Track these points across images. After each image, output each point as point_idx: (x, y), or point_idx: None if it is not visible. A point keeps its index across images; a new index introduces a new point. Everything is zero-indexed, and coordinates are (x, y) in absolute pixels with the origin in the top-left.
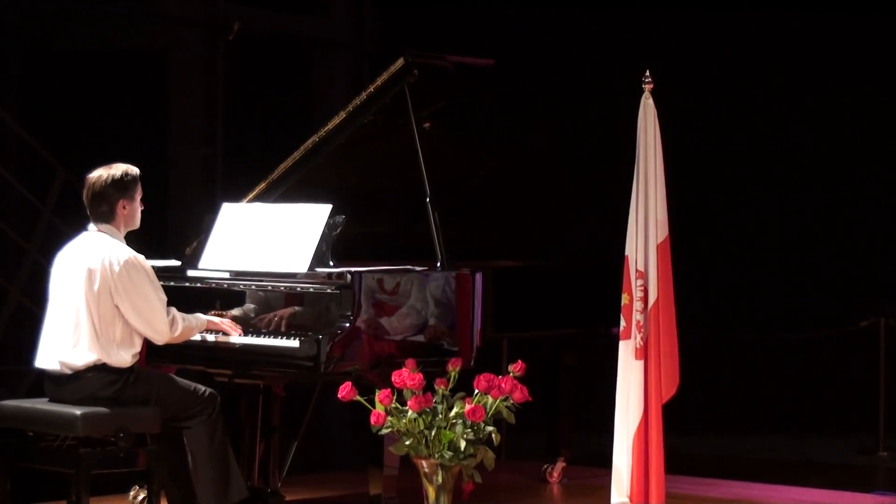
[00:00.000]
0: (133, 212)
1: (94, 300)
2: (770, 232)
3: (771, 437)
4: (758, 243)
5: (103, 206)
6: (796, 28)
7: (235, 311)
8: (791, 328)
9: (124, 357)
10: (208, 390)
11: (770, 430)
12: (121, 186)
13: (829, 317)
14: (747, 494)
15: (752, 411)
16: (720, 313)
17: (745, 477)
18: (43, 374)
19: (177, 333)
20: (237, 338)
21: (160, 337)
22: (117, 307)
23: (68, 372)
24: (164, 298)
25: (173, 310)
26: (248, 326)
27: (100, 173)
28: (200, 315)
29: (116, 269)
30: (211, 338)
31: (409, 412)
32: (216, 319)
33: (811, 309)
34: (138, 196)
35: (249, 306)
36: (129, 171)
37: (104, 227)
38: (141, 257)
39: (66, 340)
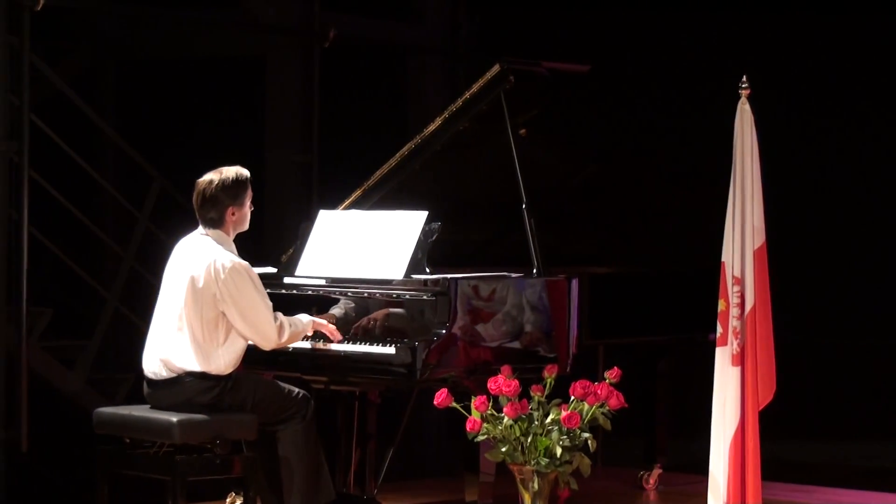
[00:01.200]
0: (242, 217)
1: (196, 305)
2: (869, 238)
3: (868, 444)
4: (856, 249)
5: (212, 213)
6: None
7: (336, 310)
8: (891, 333)
9: (225, 364)
10: (302, 392)
11: (867, 437)
12: (231, 193)
13: None
14: (844, 501)
15: (849, 417)
16: (817, 319)
17: (842, 484)
18: (142, 377)
19: (284, 339)
20: (333, 344)
21: (268, 343)
22: (223, 313)
23: (167, 374)
24: (270, 304)
25: (280, 315)
26: (344, 333)
27: (210, 178)
28: (304, 316)
29: (222, 275)
30: (307, 345)
31: (505, 419)
32: (321, 321)
33: None
34: (248, 200)
35: (345, 313)
36: (240, 175)
37: (212, 231)
38: (246, 264)
39: (169, 341)
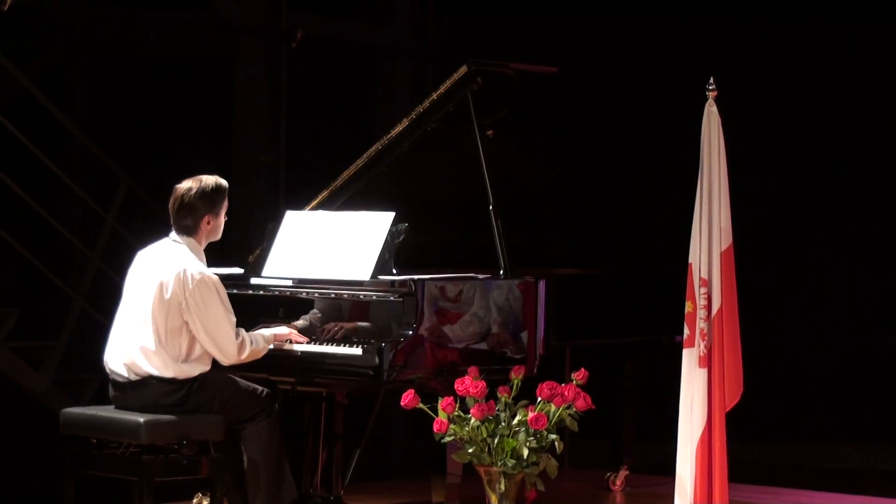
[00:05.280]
0: (216, 227)
1: (162, 312)
2: (836, 240)
3: (834, 446)
4: (823, 251)
5: (188, 220)
6: (866, 35)
7: (299, 322)
8: (854, 336)
9: (188, 369)
10: (266, 391)
11: (834, 439)
12: (208, 201)
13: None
14: (810, 502)
15: (815, 419)
16: (784, 321)
17: (809, 486)
18: (107, 379)
19: (244, 356)
20: (300, 345)
21: (227, 359)
22: (186, 323)
23: (133, 377)
24: (234, 320)
25: (242, 332)
26: (310, 334)
27: (189, 185)
28: (266, 332)
29: (190, 286)
30: (287, 346)
31: (472, 420)
32: (283, 331)
33: (876, 316)
34: (224, 210)
35: (312, 314)
36: (219, 185)
37: (185, 239)
38: (216, 278)
39: (133, 346)
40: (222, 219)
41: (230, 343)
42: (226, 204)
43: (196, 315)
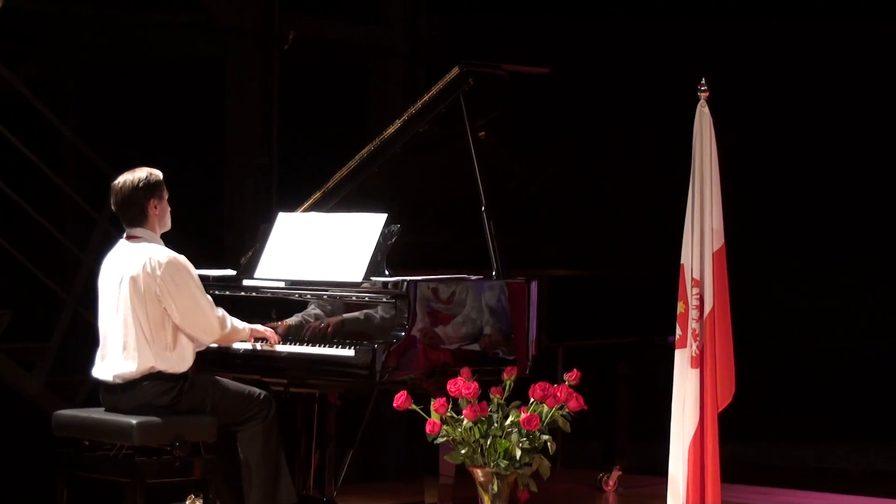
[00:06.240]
0: (164, 211)
1: (141, 306)
2: (827, 240)
3: (826, 446)
4: (814, 252)
5: (134, 209)
6: (859, 35)
7: (291, 321)
8: (847, 336)
9: (179, 361)
10: (263, 393)
11: (825, 439)
12: (148, 188)
13: (886, 324)
14: (802, 502)
15: (807, 420)
16: (776, 321)
17: (802, 486)
18: (99, 383)
19: (227, 329)
20: (293, 347)
21: (211, 333)
22: (166, 310)
23: (122, 381)
24: (209, 297)
25: (220, 309)
26: (302, 334)
27: (125, 178)
28: (245, 325)
29: (159, 272)
30: (258, 345)
31: (465, 421)
32: (259, 328)
33: (869, 316)
34: (166, 196)
35: (305, 316)
36: (153, 173)
37: (139, 230)
38: (182, 257)
39: (117, 352)
40: (166, 204)
41: (211, 317)
42: (166, 191)
43: (171, 297)
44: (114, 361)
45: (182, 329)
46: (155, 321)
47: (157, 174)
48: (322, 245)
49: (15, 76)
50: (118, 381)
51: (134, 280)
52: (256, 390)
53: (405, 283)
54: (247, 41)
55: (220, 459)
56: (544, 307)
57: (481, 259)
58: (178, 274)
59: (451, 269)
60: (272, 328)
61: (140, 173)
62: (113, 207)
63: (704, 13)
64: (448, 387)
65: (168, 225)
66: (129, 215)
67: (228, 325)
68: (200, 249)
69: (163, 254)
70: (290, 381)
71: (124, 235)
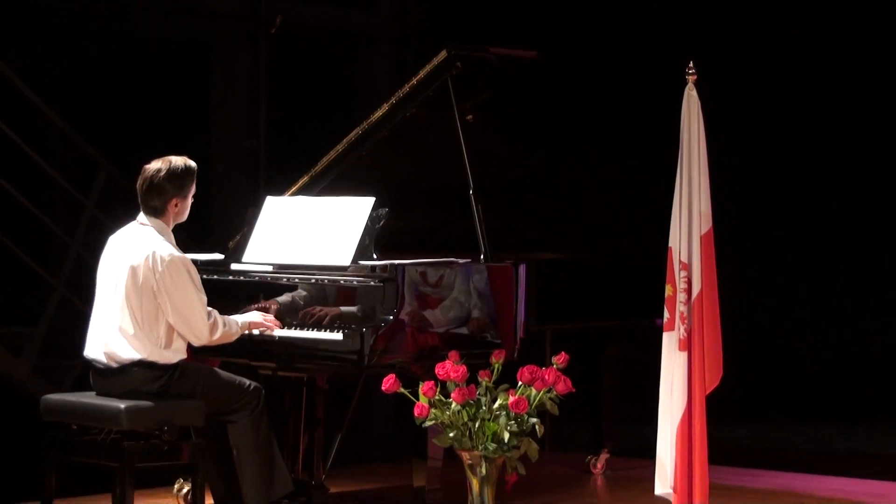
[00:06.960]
0: (184, 209)
1: (136, 297)
2: (816, 223)
3: (814, 428)
4: (803, 235)
5: (155, 201)
6: (847, 20)
7: (282, 298)
8: (836, 318)
9: (169, 355)
10: (253, 384)
11: (813, 421)
12: (177, 183)
13: (873, 305)
14: (792, 485)
15: (794, 402)
16: (764, 304)
17: (789, 468)
18: (89, 366)
19: (216, 337)
20: (280, 331)
21: (199, 339)
22: (160, 305)
23: (113, 365)
24: (205, 300)
25: (214, 312)
26: (292, 316)
27: (158, 166)
28: (240, 318)
29: (160, 267)
30: (255, 331)
31: (453, 404)
32: (258, 318)
33: (858, 299)
34: (191, 192)
35: (293, 300)
36: (188, 166)
37: (153, 221)
38: (185, 258)
39: (111, 333)
40: (189, 201)
41: (202, 323)
42: (194, 186)
43: (166, 295)
44: (107, 341)
45: (174, 326)
46: (148, 313)
47: (191, 168)
48: (310, 229)
49: (2, 62)
50: (109, 362)
51: (134, 270)
52: (247, 381)
53: (393, 267)
54: (234, 25)
55: (209, 445)
56: (532, 290)
57: (469, 242)
58: (178, 274)
59: (438, 253)
60: (264, 309)
61: (175, 164)
62: (137, 188)
63: None
64: (436, 370)
65: (184, 219)
66: (148, 204)
67: (219, 332)
68: (188, 233)
69: (167, 251)
70: (278, 365)
71: (137, 217)
